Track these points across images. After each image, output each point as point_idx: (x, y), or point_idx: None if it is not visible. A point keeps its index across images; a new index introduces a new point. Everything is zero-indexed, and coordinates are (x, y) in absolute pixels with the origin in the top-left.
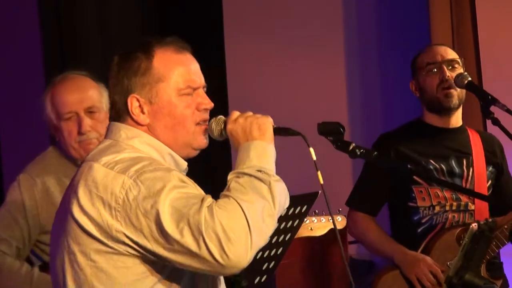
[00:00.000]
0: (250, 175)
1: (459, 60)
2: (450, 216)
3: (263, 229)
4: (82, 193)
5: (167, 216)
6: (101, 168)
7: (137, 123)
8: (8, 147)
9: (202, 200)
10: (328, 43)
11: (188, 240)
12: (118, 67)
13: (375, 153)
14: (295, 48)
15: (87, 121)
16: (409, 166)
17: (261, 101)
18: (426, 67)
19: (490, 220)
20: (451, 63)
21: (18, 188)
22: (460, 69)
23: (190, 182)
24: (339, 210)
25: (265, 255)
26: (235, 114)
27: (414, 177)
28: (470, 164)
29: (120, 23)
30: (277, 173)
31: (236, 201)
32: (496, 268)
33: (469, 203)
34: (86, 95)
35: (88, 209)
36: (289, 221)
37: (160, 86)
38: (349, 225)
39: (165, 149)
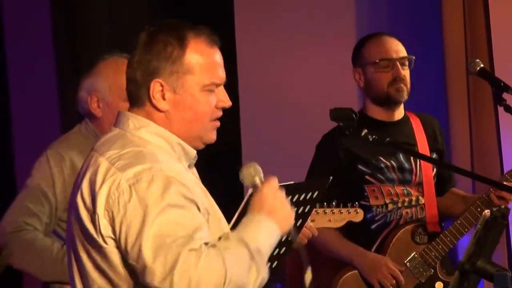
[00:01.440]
0: (250, 252)
1: (410, 58)
2: (403, 212)
3: None
4: (84, 186)
5: (149, 238)
6: (104, 162)
7: (155, 108)
8: (20, 134)
9: (191, 236)
10: (339, 33)
11: (157, 270)
12: (147, 46)
13: (387, 139)
14: (305, 36)
15: None
16: (359, 167)
17: (272, 89)
18: (378, 63)
19: (503, 207)
20: (403, 60)
21: (47, 163)
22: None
23: (190, 192)
24: (355, 204)
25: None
26: (276, 183)
27: (366, 176)
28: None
29: (130, 13)
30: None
31: (225, 266)
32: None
33: (420, 197)
34: None
35: (88, 203)
36: (300, 207)
37: (188, 78)
38: None
39: (173, 138)
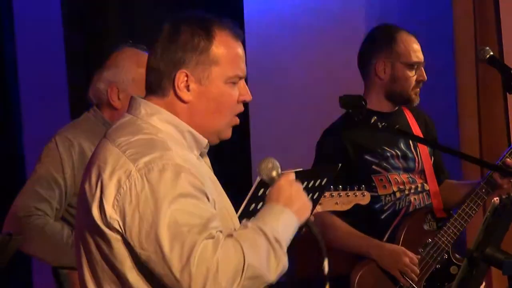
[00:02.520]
0: (269, 240)
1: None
2: (412, 199)
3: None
4: (93, 173)
5: (164, 228)
6: (115, 149)
7: (179, 99)
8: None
9: (206, 225)
10: (349, 26)
11: (174, 260)
12: (172, 37)
13: (397, 126)
14: (314, 24)
15: None
16: (366, 157)
17: (280, 77)
18: (412, 64)
19: None
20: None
21: (56, 148)
22: None
23: (200, 183)
24: (362, 187)
25: None
26: (293, 176)
27: (373, 166)
28: (415, 144)
29: (141, 5)
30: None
31: (244, 255)
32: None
33: (424, 184)
34: None
35: (95, 191)
36: (309, 194)
37: (214, 69)
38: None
39: (185, 126)
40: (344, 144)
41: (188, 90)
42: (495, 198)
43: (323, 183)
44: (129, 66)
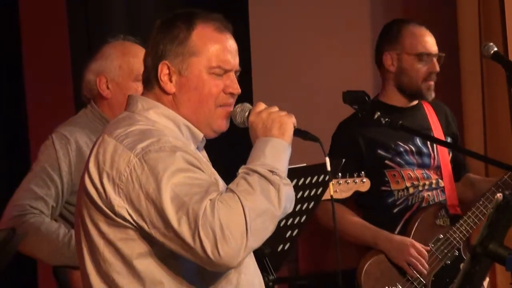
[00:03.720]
0: (261, 175)
1: (442, 55)
2: (425, 195)
3: (261, 232)
4: (92, 165)
5: (167, 202)
6: (112, 141)
7: (163, 91)
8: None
9: (206, 191)
10: (354, 16)
11: (184, 231)
12: (157, 31)
13: (400, 122)
14: (319, 18)
15: None
16: (379, 152)
17: (285, 72)
18: (419, 55)
19: None
20: (438, 57)
21: (53, 146)
22: None
23: (197, 161)
24: (361, 173)
25: (288, 223)
26: (260, 106)
27: (386, 161)
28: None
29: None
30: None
31: (240, 199)
32: None
33: (439, 180)
34: None
35: (96, 181)
36: (313, 189)
37: (193, 60)
38: (319, 214)
39: (181, 120)
40: (356, 138)
41: (171, 81)
42: (498, 194)
43: (326, 178)
44: (115, 55)
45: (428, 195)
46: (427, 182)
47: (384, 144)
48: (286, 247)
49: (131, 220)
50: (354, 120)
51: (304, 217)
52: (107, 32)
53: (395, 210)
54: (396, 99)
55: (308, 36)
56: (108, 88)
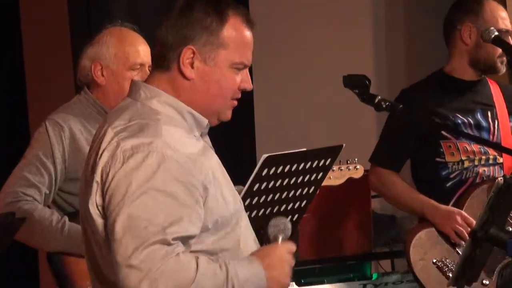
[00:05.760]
0: (228, 282)
1: None
2: (480, 170)
3: None
4: (92, 156)
5: (123, 217)
6: (111, 133)
7: (181, 74)
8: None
9: (165, 228)
10: (355, 13)
11: (121, 249)
12: (185, 12)
13: (400, 106)
14: (320, 11)
15: None
16: (436, 120)
17: (287, 58)
18: (500, 31)
19: None
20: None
21: (46, 133)
22: None
23: (186, 170)
24: (355, 160)
25: (289, 208)
26: (292, 249)
27: (443, 132)
28: (494, 117)
29: None
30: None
31: (196, 276)
32: None
33: (497, 156)
34: (149, 50)
35: (89, 171)
36: (313, 174)
37: (221, 52)
38: (372, 181)
39: (184, 107)
40: (413, 106)
41: (192, 67)
42: (499, 178)
43: (327, 163)
44: (111, 42)
45: (484, 170)
46: (483, 157)
47: (442, 114)
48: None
49: (103, 213)
50: (416, 89)
51: (304, 202)
52: (107, 16)
53: (448, 184)
54: (464, 73)
55: (308, 30)
56: (102, 75)
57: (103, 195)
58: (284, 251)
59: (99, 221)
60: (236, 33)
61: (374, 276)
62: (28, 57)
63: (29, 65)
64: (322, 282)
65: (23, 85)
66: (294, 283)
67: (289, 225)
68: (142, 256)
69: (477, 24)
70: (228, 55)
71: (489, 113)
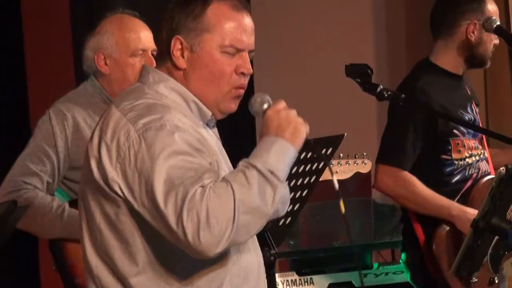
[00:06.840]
0: (260, 172)
1: None
2: (480, 165)
3: (247, 228)
4: (95, 135)
5: (159, 183)
6: (117, 113)
7: (175, 66)
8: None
9: (200, 177)
10: (356, 11)
11: (169, 213)
12: (174, 4)
13: (402, 95)
14: (320, 8)
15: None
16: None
17: (288, 49)
18: (497, 27)
19: None
20: None
21: (49, 121)
22: None
23: (199, 143)
24: (363, 155)
25: (290, 197)
26: (281, 104)
27: (454, 130)
28: (475, 111)
29: None
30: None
31: (233, 192)
32: None
33: (484, 151)
34: (151, 36)
35: (95, 151)
36: (314, 163)
37: (206, 36)
38: (387, 182)
39: (190, 96)
40: (430, 103)
41: (183, 57)
42: (501, 168)
43: (328, 152)
44: (112, 31)
45: (481, 165)
46: (479, 152)
47: (452, 111)
48: (288, 221)
49: (122, 196)
50: (427, 82)
51: (305, 192)
52: (109, 11)
53: (453, 180)
54: (454, 66)
55: (309, 27)
56: (106, 64)
57: (127, 178)
58: (275, 111)
59: (116, 199)
60: (220, 15)
61: (375, 266)
62: (29, 53)
63: (30, 61)
64: (322, 272)
65: (24, 81)
66: (295, 272)
67: (264, 95)
68: (186, 209)
69: (480, 21)
70: (214, 38)
71: (474, 107)
